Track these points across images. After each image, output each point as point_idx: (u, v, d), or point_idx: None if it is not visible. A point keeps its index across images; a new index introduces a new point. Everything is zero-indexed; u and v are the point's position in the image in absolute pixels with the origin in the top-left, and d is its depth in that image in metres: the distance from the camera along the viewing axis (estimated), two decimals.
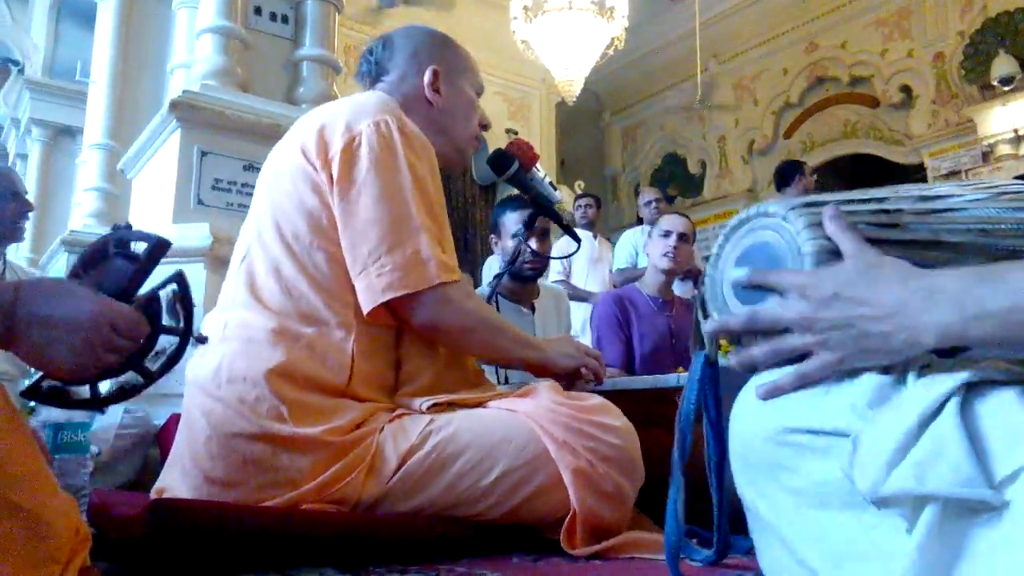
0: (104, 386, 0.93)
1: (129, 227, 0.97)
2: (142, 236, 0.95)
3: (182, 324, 0.95)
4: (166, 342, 0.95)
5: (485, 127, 1.67)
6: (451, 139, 1.57)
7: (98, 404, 0.93)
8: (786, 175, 4.53)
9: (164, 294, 0.95)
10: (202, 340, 1.00)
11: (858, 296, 0.65)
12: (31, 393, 0.90)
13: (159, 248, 0.94)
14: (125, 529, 1.13)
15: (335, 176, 1.32)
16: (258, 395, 1.24)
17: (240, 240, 1.45)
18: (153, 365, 0.93)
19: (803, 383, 0.68)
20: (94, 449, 2.16)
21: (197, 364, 1.32)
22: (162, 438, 2.35)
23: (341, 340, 1.31)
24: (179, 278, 0.97)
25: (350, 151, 1.32)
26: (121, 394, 0.96)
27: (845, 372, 0.66)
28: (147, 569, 1.12)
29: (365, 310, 1.30)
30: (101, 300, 0.84)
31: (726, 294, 0.94)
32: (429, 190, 1.37)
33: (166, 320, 0.95)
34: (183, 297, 0.97)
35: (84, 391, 0.92)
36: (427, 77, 1.53)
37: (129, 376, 0.93)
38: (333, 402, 1.28)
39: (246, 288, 1.35)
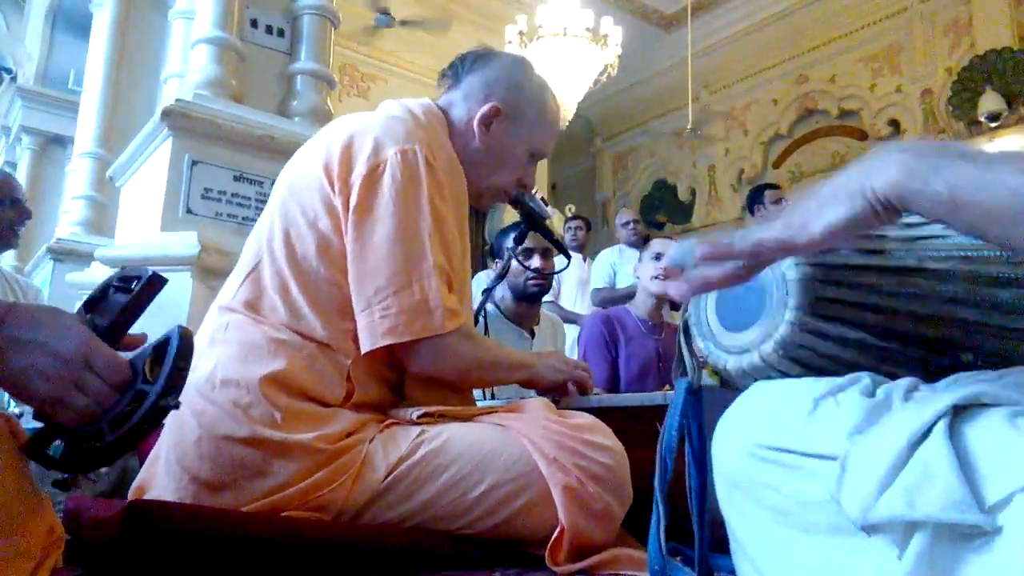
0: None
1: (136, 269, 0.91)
2: (139, 273, 0.90)
3: (162, 381, 0.83)
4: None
5: (525, 186, 1.61)
6: (474, 180, 1.52)
7: (70, 468, 0.81)
8: (749, 203, 4.57)
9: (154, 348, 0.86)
10: (175, 406, 0.85)
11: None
12: (32, 451, 0.82)
13: (150, 283, 0.89)
14: (100, 531, 1.11)
15: (353, 203, 1.29)
16: (251, 400, 1.22)
17: (252, 241, 1.41)
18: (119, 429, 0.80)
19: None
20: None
21: (193, 364, 1.29)
22: (141, 448, 2.32)
23: (341, 364, 1.29)
24: (181, 335, 0.87)
25: (372, 178, 1.29)
26: (98, 459, 0.82)
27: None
28: (123, 574, 1.10)
29: (363, 350, 1.28)
30: (85, 334, 0.80)
31: (710, 319, 0.94)
32: (448, 226, 1.35)
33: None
34: (178, 357, 0.86)
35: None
36: (484, 109, 1.48)
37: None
38: (326, 411, 1.27)
39: (252, 297, 1.33)
